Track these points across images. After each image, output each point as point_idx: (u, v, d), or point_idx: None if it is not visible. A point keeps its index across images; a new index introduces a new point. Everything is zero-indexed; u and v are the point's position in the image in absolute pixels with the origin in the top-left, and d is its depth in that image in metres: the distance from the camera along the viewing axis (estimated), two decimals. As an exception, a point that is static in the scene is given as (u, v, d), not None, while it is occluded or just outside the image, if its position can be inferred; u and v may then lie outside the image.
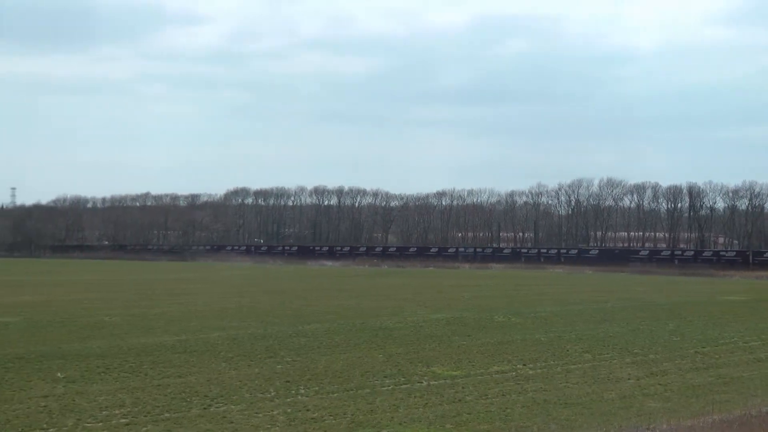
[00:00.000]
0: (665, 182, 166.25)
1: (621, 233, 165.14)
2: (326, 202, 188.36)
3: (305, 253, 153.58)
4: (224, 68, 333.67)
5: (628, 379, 27.74)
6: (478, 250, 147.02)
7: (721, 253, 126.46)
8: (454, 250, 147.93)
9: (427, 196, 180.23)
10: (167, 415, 21.98)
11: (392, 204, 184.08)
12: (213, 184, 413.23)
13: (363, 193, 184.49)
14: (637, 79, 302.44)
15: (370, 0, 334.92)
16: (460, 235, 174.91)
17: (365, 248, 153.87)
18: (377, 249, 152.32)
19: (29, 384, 26.09)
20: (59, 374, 27.76)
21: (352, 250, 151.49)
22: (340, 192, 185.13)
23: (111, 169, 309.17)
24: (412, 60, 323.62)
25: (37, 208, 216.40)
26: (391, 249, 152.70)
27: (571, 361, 31.40)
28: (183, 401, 23.59)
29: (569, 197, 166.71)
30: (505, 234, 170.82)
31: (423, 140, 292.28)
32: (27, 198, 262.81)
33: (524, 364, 30.29)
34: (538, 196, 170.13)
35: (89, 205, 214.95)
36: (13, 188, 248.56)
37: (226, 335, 37.99)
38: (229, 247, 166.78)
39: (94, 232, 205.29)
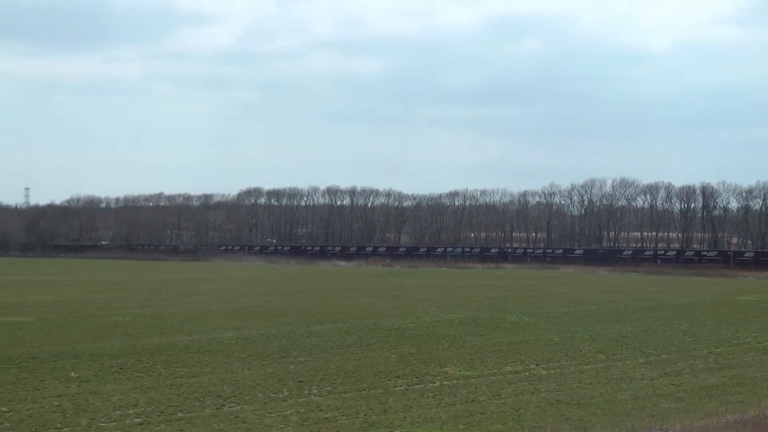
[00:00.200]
0: (678, 182, 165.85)
1: (634, 233, 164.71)
2: (339, 202, 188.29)
3: (318, 253, 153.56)
4: (236, 68, 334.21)
5: (642, 379, 27.69)
6: (448, 249, 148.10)
7: (702, 253, 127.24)
8: (442, 249, 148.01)
9: (440, 196, 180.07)
10: (180, 414, 22.02)
11: (405, 204, 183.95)
12: (226, 184, 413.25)
13: (376, 193, 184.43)
14: (650, 78, 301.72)
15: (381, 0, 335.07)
16: (472, 235, 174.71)
17: (371, 248, 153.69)
18: (381, 249, 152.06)
19: (43, 384, 26.17)
20: (73, 374, 27.84)
21: (360, 250, 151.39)
22: (352, 192, 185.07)
23: (124, 169, 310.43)
24: (424, 60, 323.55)
25: (50, 208, 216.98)
26: (401, 249, 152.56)
27: (585, 361, 31.35)
28: (196, 401, 23.64)
29: (582, 197, 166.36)
30: (518, 234, 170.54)
31: (435, 140, 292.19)
32: (41, 198, 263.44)
33: (537, 365, 30.26)
34: (551, 196, 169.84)
35: (103, 205, 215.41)
36: (27, 188, 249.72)
37: (239, 335, 38.04)
38: (241, 247, 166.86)
39: (107, 232, 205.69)
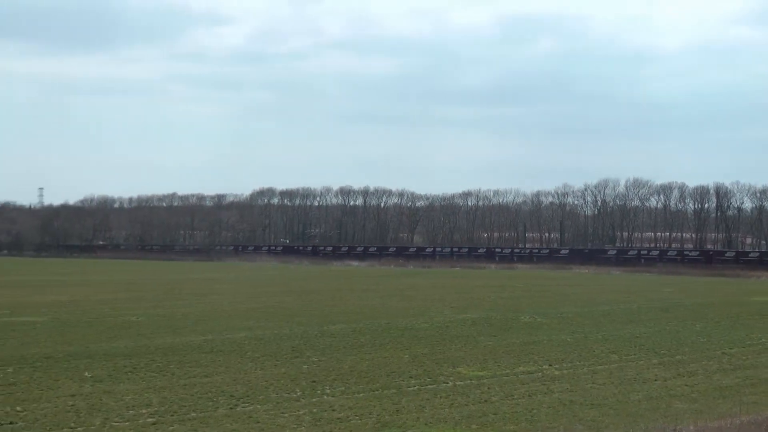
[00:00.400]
0: (692, 182, 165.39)
1: (647, 234, 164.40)
2: (352, 203, 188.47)
3: (331, 253, 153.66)
4: (250, 68, 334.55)
5: (655, 380, 27.63)
6: (437, 249, 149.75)
7: (685, 252, 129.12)
8: (438, 249, 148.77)
9: (453, 196, 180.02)
10: (194, 414, 22.06)
11: (418, 204, 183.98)
12: (239, 184, 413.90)
13: (389, 193, 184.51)
14: (664, 78, 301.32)
15: (393, 0, 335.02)
16: (485, 235, 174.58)
17: (376, 248, 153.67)
18: (390, 249, 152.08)
19: (57, 383, 26.25)
20: (87, 373, 27.92)
21: (380, 250, 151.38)
22: (365, 192, 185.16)
23: (138, 169, 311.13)
24: (437, 60, 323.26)
25: (64, 208, 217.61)
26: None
27: (598, 361, 31.31)
28: (209, 401, 23.68)
29: (595, 197, 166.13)
30: (531, 234, 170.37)
31: (448, 140, 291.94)
32: (55, 198, 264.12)
33: (550, 365, 30.23)
34: (564, 197, 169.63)
35: (116, 205, 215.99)
36: (41, 188, 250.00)
37: (252, 335, 38.10)
38: (254, 247, 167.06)
39: (121, 232, 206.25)
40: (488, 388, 25.68)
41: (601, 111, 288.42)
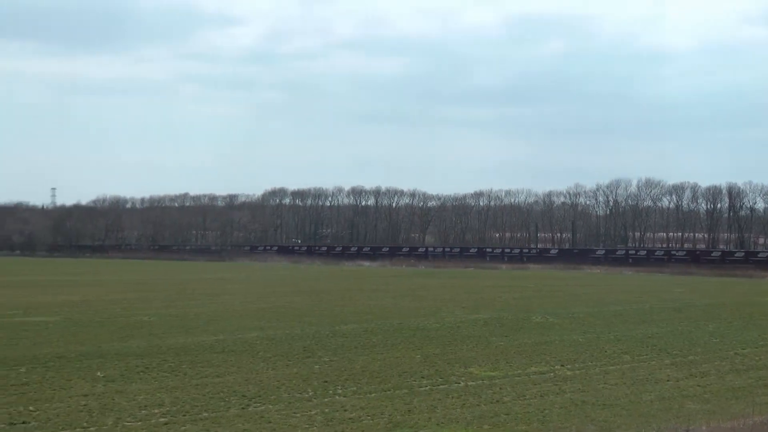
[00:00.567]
0: (704, 182, 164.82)
1: (660, 234, 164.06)
2: (363, 203, 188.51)
3: (343, 253, 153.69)
4: (260, 68, 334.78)
5: (668, 380, 27.58)
6: (437, 249, 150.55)
7: (672, 252, 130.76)
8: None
9: (465, 196, 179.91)
10: (206, 414, 22.09)
11: (429, 204, 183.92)
12: (251, 185, 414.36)
13: (400, 193, 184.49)
14: (675, 78, 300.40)
15: (403, 0, 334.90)
16: (497, 235, 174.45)
17: (387, 249, 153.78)
18: (402, 250, 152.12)
19: (69, 383, 26.31)
20: (99, 373, 27.98)
21: (391, 250, 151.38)
22: (377, 192, 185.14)
23: (150, 169, 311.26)
24: (447, 60, 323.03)
25: (77, 209, 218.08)
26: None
27: (610, 362, 31.26)
28: (221, 401, 23.71)
29: (607, 197, 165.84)
30: (543, 234, 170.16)
31: (460, 140, 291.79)
32: (67, 198, 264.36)
33: (562, 365, 30.19)
34: (576, 197, 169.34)
35: (128, 206, 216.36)
36: (53, 189, 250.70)
37: (264, 335, 38.13)
38: (266, 247, 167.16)
39: (133, 232, 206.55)
40: (500, 389, 25.66)
41: (613, 111, 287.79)
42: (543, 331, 40.69)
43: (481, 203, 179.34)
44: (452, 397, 24.34)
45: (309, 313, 49.03)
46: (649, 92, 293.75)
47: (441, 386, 26.07)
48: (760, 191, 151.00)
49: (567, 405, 23.44)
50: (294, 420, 21.47)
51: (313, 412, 22.27)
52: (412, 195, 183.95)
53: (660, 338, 38.11)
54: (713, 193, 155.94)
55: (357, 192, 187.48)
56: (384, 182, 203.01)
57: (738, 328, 42.58)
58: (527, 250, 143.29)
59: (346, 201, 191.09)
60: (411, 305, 54.79)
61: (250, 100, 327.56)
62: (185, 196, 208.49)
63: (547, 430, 20.73)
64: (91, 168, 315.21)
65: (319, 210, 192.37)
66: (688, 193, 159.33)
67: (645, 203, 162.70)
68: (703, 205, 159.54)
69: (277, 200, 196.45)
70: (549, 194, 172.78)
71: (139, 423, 21.11)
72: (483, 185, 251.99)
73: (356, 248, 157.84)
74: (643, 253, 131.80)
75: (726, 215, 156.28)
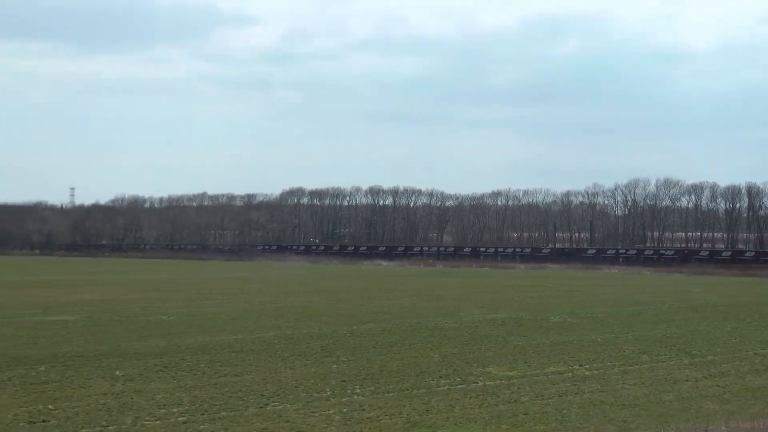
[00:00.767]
0: (723, 182, 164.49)
1: (678, 234, 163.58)
2: (381, 202, 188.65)
3: (360, 252, 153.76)
4: (278, 69, 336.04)
5: (686, 380, 27.47)
6: (441, 249, 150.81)
7: (661, 252, 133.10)
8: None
9: (483, 196, 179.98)
10: (224, 413, 22.13)
11: (447, 204, 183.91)
12: (269, 184, 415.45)
13: (418, 193, 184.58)
14: (693, 77, 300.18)
15: (421, 0, 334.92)
16: (515, 235, 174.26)
17: (405, 248, 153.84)
18: (420, 249, 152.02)
19: (89, 382, 26.39)
20: (118, 372, 28.05)
21: (409, 250, 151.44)
22: (395, 192, 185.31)
23: (168, 169, 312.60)
24: (464, 60, 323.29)
25: (95, 208, 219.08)
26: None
27: (628, 362, 31.17)
28: (240, 400, 23.74)
29: (626, 197, 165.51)
30: (561, 234, 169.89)
31: (477, 140, 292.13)
32: (86, 198, 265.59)
33: (581, 365, 30.13)
34: (594, 196, 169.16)
35: (147, 205, 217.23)
36: (72, 188, 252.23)
37: (282, 334, 38.17)
38: (284, 247, 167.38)
39: (151, 231, 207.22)
40: (518, 388, 25.62)
41: (631, 110, 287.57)
42: (561, 331, 40.61)
43: (498, 203, 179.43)
44: (470, 397, 24.31)
45: (327, 312, 49.06)
46: (667, 91, 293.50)
47: (459, 386, 26.04)
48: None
49: (585, 405, 23.39)
50: (312, 419, 21.48)
51: (331, 412, 22.28)
52: (430, 195, 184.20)
53: (679, 338, 37.98)
54: (732, 192, 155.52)
55: (375, 192, 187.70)
56: (402, 182, 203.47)
57: (757, 328, 42.39)
58: (519, 249, 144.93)
59: (363, 201, 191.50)
60: (429, 305, 54.77)
61: (268, 99, 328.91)
62: (203, 195, 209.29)
63: (566, 430, 20.68)
64: (110, 168, 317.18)
65: (337, 210, 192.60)
66: (706, 193, 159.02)
67: (663, 203, 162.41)
68: (722, 204, 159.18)
69: (295, 200, 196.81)
70: (567, 194, 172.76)
71: (158, 422, 21.17)
72: (501, 185, 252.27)
73: (374, 248, 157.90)
74: (633, 252, 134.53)
75: (745, 215, 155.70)
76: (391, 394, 24.63)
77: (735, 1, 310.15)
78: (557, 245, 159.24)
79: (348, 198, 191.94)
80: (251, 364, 30.04)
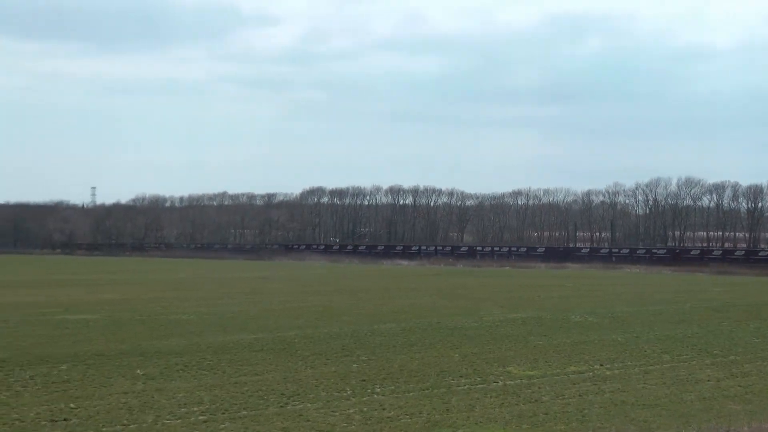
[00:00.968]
0: (745, 181, 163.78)
1: (700, 233, 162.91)
2: (402, 202, 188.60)
3: (381, 252, 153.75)
4: (298, 68, 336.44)
5: (708, 380, 27.36)
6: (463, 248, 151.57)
7: (653, 251, 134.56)
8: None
9: (503, 195, 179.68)
10: (245, 412, 22.16)
11: (468, 203, 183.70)
12: (289, 184, 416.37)
13: (438, 192, 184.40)
14: (715, 76, 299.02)
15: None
16: (536, 234, 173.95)
17: (425, 247, 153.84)
18: (440, 249, 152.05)
19: (110, 381, 26.49)
20: (139, 371, 28.14)
21: (429, 249, 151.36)
22: (415, 191, 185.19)
23: (188, 168, 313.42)
24: (485, 59, 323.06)
25: (116, 208, 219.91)
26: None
27: (649, 362, 31.06)
28: (260, 399, 23.78)
29: (647, 196, 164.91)
30: (582, 234, 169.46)
31: (498, 139, 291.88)
32: (107, 197, 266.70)
33: (601, 365, 30.04)
34: (615, 196, 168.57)
35: (167, 204, 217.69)
36: (93, 187, 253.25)
37: (302, 334, 38.21)
38: (305, 246, 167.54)
39: (172, 231, 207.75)
40: (539, 388, 25.57)
41: (652, 109, 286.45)
42: (582, 330, 40.50)
43: (519, 202, 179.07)
44: (490, 397, 24.27)
45: (347, 312, 49.09)
46: (688, 90, 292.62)
47: (479, 385, 26.01)
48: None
49: (606, 405, 23.32)
50: (332, 418, 21.49)
51: (351, 411, 22.29)
52: (450, 194, 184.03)
53: (700, 338, 37.83)
54: (754, 191, 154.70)
55: (395, 191, 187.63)
56: (422, 181, 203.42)
57: (779, 328, 42.16)
58: (515, 248, 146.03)
59: (384, 200, 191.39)
60: (449, 304, 54.72)
61: (288, 99, 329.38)
62: (224, 195, 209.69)
63: (587, 430, 20.63)
64: (131, 167, 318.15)
65: (357, 209, 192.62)
66: (728, 192, 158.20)
67: (685, 202, 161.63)
68: (743, 204, 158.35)
69: (315, 199, 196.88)
70: (588, 193, 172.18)
71: (179, 421, 21.22)
72: (521, 184, 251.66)
73: (394, 247, 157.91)
74: (626, 251, 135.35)
75: (767, 214, 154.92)
76: (411, 394, 24.62)
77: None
78: (577, 245, 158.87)
79: (368, 197, 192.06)
80: (271, 363, 30.08)
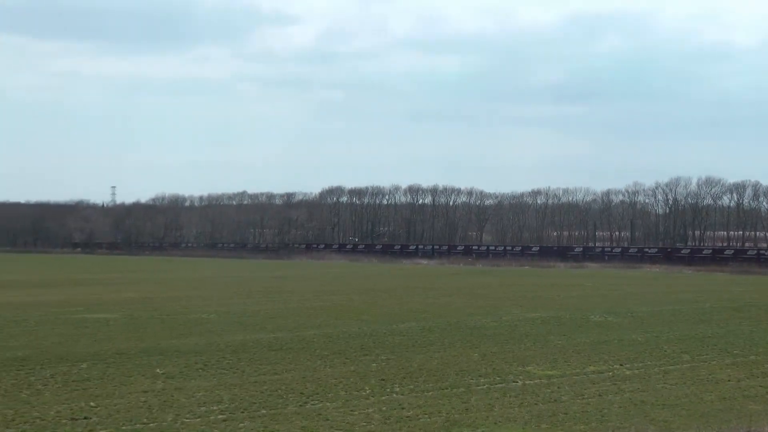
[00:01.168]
0: (766, 181, 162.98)
1: (720, 232, 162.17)
2: (421, 201, 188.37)
3: (400, 251, 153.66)
4: (318, 68, 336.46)
5: (728, 380, 27.25)
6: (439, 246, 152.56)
7: (645, 249, 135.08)
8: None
9: (522, 194, 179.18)
10: (264, 411, 22.20)
11: (487, 203, 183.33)
12: (308, 183, 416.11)
13: (457, 191, 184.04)
14: (735, 75, 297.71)
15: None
16: (555, 234, 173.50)
17: (445, 247, 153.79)
18: (459, 248, 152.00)
19: (130, 379, 26.60)
20: (158, 370, 28.23)
21: (449, 249, 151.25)
22: (434, 191, 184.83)
23: (208, 167, 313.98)
24: (505, 58, 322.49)
25: (136, 207, 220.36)
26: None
27: (669, 361, 30.96)
28: (279, 398, 23.82)
29: (666, 196, 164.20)
30: (601, 233, 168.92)
31: (517, 139, 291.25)
32: (126, 197, 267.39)
33: (621, 365, 29.96)
34: (635, 195, 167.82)
35: (187, 204, 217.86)
36: (113, 187, 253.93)
37: (322, 333, 38.25)
38: (323, 246, 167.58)
39: (191, 230, 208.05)
40: (558, 388, 25.53)
41: (673, 108, 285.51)
42: (602, 330, 40.40)
43: (538, 201, 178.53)
44: (510, 396, 24.25)
45: (366, 311, 49.11)
46: (709, 89, 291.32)
47: (498, 385, 25.98)
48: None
49: (626, 405, 23.26)
50: (351, 417, 21.51)
51: (370, 410, 22.30)
52: (469, 193, 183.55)
53: (720, 338, 37.68)
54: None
55: (414, 190, 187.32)
56: (441, 180, 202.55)
57: (800, 328, 41.94)
58: (510, 248, 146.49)
59: (403, 199, 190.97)
60: (468, 303, 54.66)
61: (307, 99, 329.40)
62: (243, 194, 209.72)
63: (606, 429, 20.58)
64: (151, 167, 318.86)
65: (376, 208, 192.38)
66: (749, 192, 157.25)
67: (705, 202, 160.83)
68: (764, 203, 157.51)
69: (335, 198, 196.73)
70: (607, 192, 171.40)
71: (198, 419, 21.27)
72: (541, 183, 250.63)
73: (412, 246, 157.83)
74: (618, 250, 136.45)
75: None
76: (430, 393, 24.61)
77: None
78: (597, 244, 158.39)
79: (387, 197, 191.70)
80: (291, 362, 30.13)
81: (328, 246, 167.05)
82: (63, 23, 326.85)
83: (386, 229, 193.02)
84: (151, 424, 20.80)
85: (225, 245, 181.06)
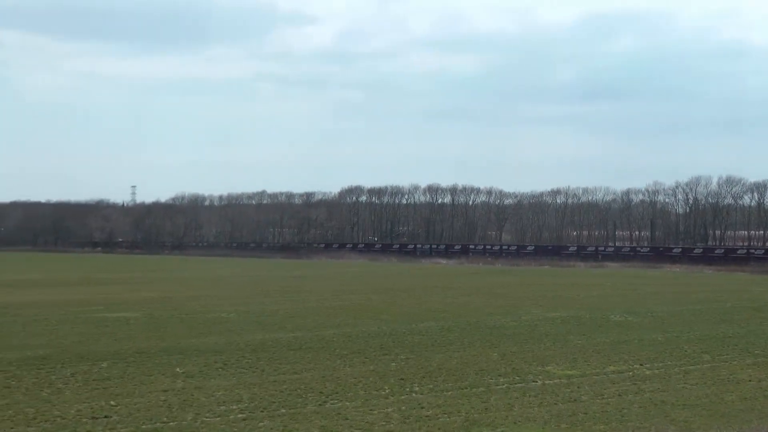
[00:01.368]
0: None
1: (741, 232, 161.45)
2: (440, 200, 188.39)
3: (419, 251, 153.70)
4: (337, 67, 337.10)
5: (749, 380, 27.13)
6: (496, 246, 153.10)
7: (638, 249, 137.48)
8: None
9: (542, 194, 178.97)
10: (283, 410, 22.23)
11: (506, 202, 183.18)
12: (327, 183, 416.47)
13: (477, 191, 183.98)
14: (755, 74, 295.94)
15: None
16: (575, 233, 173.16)
17: (463, 246, 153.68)
18: (479, 247, 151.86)
19: (150, 378, 26.66)
20: (178, 369, 28.30)
21: (468, 248, 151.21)
22: (453, 190, 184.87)
23: (227, 167, 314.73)
24: (524, 57, 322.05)
25: (156, 206, 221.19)
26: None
27: (690, 361, 30.84)
28: (299, 397, 23.84)
29: (687, 195, 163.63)
30: (621, 233, 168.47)
31: (536, 138, 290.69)
32: (146, 196, 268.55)
33: (641, 364, 29.87)
34: (655, 195, 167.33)
35: (206, 203, 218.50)
36: (133, 186, 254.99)
37: (341, 332, 38.27)
38: (342, 245, 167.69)
39: (211, 229, 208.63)
40: (578, 388, 25.47)
41: (692, 107, 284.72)
42: (621, 329, 40.28)
43: (558, 201, 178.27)
44: (529, 396, 24.21)
45: (386, 310, 49.11)
46: (729, 88, 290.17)
47: (518, 385, 25.94)
48: None
49: (646, 404, 23.19)
50: (371, 417, 21.51)
51: (389, 410, 22.30)
52: (489, 193, 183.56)
53: (741, 338, 37.52)
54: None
55: (433, 190, 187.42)
56: (460, 180, 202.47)
57: (822, 328, 41.73)
58: (506, 247, 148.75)
59: (422, 199, 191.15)
60: (487, 303, 54.60)
61: (326, 98, 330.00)
62: (262, 193, 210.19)
63: (626, 429, 20.52)
64: (170, 166, 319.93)
65: (396, 208, 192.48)
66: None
67: (726, 201, 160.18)
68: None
69: (354, 198, 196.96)
70: (627, 192, 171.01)
71: (218, 419, 21.32)
72: (560, 183, 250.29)
73: (432, 246, 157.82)
74: (611, 249, 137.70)
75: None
76: (449, 393, 24.59)
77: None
78: (617, 244, 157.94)
79: (406, 196, 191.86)
80: (310, 361, 30.15)
81: (347, 245, 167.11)
82: (83, 24, 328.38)
83: (405, 228, 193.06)
84: (171, 423, 20.86)
85: (244, 244, 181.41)
